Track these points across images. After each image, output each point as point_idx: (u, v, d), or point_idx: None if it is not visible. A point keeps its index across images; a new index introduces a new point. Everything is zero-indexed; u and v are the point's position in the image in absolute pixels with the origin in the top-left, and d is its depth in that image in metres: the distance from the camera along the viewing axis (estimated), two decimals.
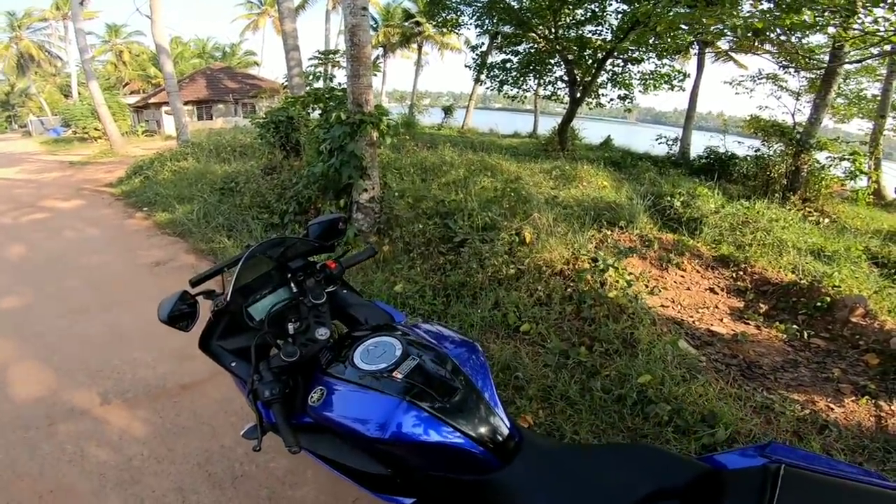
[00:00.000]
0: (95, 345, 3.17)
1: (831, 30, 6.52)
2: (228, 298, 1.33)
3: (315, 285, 1.48)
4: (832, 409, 2.49)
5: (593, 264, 3.50)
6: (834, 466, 0.87)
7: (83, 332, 3.33)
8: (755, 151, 8.99)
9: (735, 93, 11.68)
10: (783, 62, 9.09)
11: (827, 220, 6.54)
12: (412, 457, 1.13)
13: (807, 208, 6.82)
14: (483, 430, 1.12)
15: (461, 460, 1.10)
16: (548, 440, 1.54)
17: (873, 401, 2.52)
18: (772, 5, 6.32)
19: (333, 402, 1.18)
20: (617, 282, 3.36)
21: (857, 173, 7.40)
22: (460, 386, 1.17)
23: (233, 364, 1.38)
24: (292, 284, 1.51)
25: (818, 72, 8.29)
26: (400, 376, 1.16)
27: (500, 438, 1.14)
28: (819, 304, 3.49)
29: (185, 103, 15.89)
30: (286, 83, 8.60)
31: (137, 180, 8.71)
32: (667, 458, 1.07)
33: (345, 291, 1.63)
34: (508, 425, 1.18)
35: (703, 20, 7.21)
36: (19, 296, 3.97)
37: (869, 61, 7.37)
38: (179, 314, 1.35)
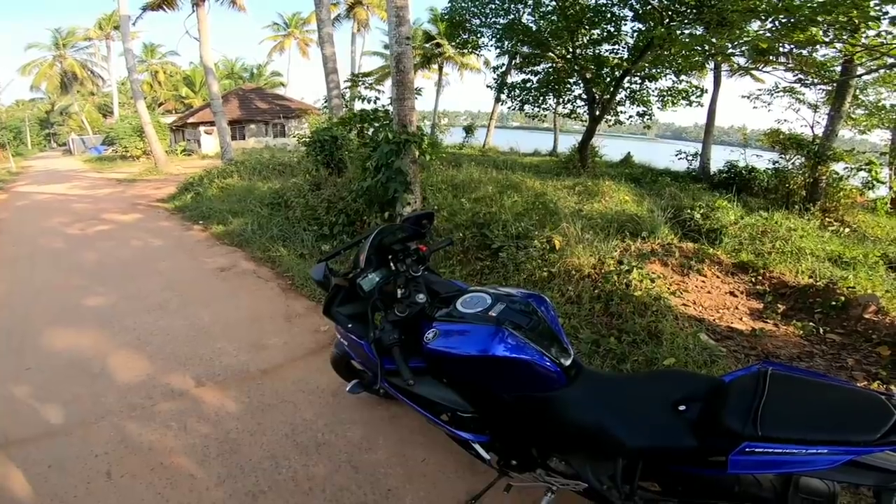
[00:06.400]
0: (181, 337, 3.57)
1: (839, 45, 6.79)
2: (363, 265, 1.76)
3: (412, 263, 1.91)
4: None
5: (619, 266, 3.84)
6: (814, 374, 1.23)
7: (168, 326, 3.75)
8: (773, 164, 9.21)
9: (753, 107, 11.89)
10: (798, 76, 9.33)
11: (847, 230, 6.72)
12: (502, 373, 1.48)
13: (827, 218, 7.00)
14: (554, 352, 1.50)
15: (537, 376, 1.47)
16: (600, 371, 1.92)
17: (885, 385, 2.78)
18: (776, 25, 6.62)
19: (444, 337, 1.56)
20: (640, 282, 3.69)
21: (874, 182, 7.57)
22: (538, 321, 1.57)
23: (349, 325, 1.79)
24: (392, 263, 1.93)
25: (833, 84, 8.53)
26: (494, 314, 1.56)
27: (566, 363, 1.52)
28: (834, 303, 3.73)
29: None
30: (326, 104, 9.14)
31: (189, 196, 9.32)
32: (692, 377, 1.53)
33: (427, 272, 2.05)
34: (573, 354, 1.56)
35: (714, 40, 7.57)
36: (103, 296, 4.43)
37: (882, 71, 7.56)
38: (323, 281, 1.78)
